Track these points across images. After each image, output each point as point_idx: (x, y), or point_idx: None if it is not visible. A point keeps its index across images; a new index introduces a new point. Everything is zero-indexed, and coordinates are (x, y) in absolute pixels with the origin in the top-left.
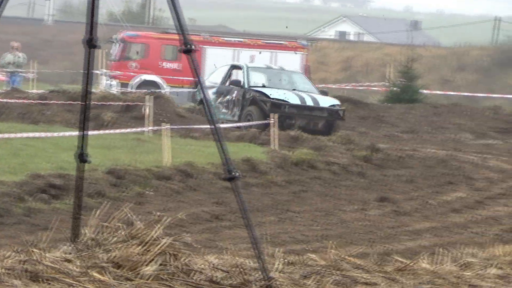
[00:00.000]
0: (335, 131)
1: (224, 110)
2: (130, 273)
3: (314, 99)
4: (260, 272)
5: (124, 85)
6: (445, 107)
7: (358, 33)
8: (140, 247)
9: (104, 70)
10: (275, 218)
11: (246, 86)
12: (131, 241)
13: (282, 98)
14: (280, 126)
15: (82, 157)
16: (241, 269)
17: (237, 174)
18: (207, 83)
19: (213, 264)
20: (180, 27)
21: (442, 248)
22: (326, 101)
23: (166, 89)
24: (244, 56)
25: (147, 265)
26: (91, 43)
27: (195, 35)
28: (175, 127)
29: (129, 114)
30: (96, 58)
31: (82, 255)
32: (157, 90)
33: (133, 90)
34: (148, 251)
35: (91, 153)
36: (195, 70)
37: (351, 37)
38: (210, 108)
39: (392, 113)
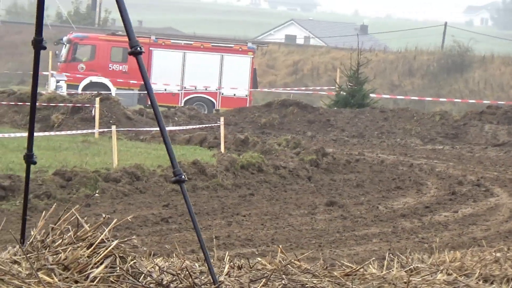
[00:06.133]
0: None
1: None
2: (77, 275)
3: None
4: (208, 276)
5: (72, 86)
6: (393, 112)
7: (305, 37)
8: (87, 249)
9: (53, 72)
10: (223, 221)
11: None
12: (78, 243)
13: None
14: None
15: (29, 159)
16: (189, 273)
17: (183, 176)
18: None
19: (160, 267)
20: (127, 28)
21: (391, 253)
22: None
23: (114, 91)
24: (192, 59)
25: (94, 268)
26: (39, 44)
27: (143, 37)
28: (123, 129)
29: (77, 116)
30: (45, 60)
31: (30, 257)
32: (106, 92)
33: (80, 92)
34: (96, 253)
35: (39, 154)
36: (143, 73)
37: (299, 41)
38: (158, 110)
39: (340, 117)
